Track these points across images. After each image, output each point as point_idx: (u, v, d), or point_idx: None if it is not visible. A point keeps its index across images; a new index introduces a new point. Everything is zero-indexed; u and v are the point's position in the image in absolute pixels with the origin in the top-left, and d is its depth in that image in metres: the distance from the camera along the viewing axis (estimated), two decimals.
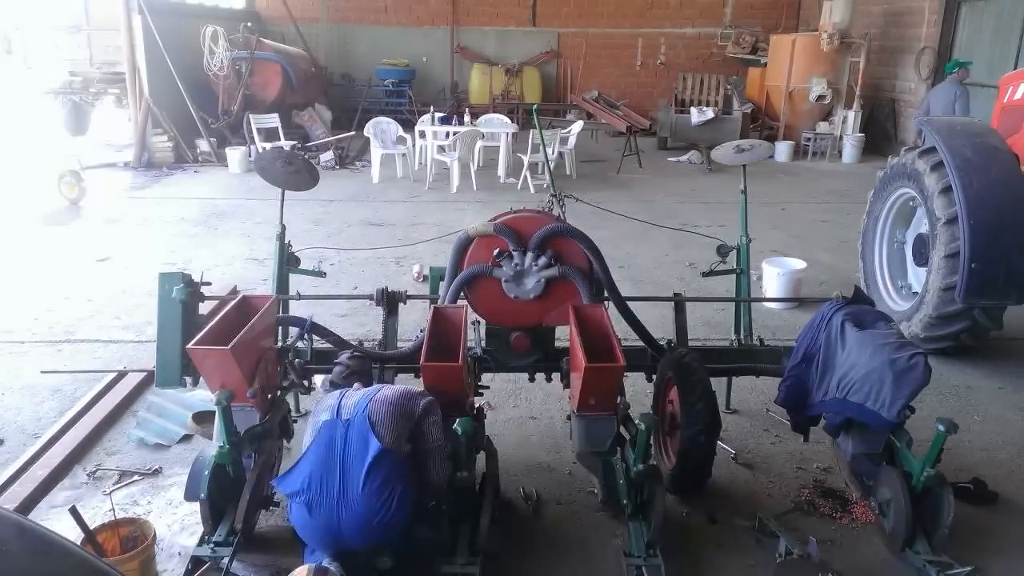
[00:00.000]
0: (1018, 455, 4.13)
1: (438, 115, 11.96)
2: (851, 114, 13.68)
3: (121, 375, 4.72)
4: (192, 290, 3.56)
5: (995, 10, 11.49)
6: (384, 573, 2.80)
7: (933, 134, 5.12)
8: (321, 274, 4.56)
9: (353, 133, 13.21)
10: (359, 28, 17.43)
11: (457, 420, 2.96)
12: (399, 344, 4.00)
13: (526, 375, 3.93)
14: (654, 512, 3.02)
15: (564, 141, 11.39)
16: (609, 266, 3.71)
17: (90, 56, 16.15)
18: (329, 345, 3.81)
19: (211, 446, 3.14)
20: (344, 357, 3.47)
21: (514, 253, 3.59)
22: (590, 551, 3.25)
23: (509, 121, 12.14)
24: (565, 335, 3.62)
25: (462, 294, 3.67)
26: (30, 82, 14.84)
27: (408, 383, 3.45)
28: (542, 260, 3.59)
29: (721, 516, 3.50)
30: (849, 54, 13.80)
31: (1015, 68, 10.18)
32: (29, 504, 3.46)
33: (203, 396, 4.21)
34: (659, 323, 4.52)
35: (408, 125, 12.68)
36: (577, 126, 11.90)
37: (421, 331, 3.64)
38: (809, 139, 13.78)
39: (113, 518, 3.14)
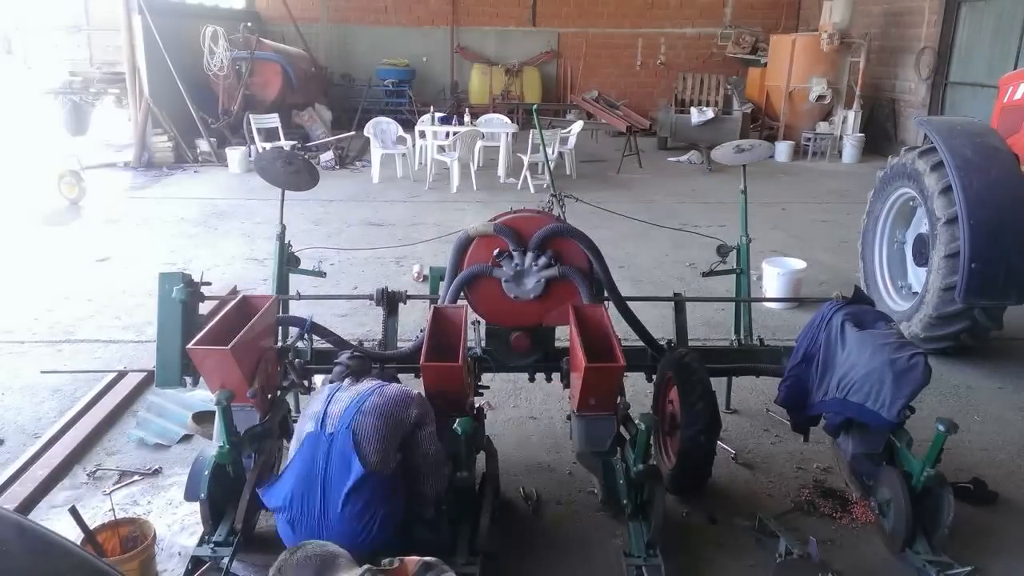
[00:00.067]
0: (1018, 455, 4.13)
1: (438, 115, 11.96)
2: (851, 114, 13.67)
3: (121, 375, 4.72)
4: (192, 290, 3.56)
5: (995, 10, 11.48)
6: None
7: (933, 134, 5.12)
8: (321, 274, 4.56)
9: (353, 133, 13.21)
10: (359, 28, 17.42)
11: (457, 420, 2.96)
12: (399, 344, 4.00)
13: (526, 375, 3.92)
14: (654, 512, 3.02)
15: (564, 141, 11.39)
16: (609, 266, 3.71)
17: (90, 56, 16.15)
18: (329, 345, 3.81)
19: (211, 446, 3.14)
20: (344, 357, 3.46)
21: (514, 253, 3.59)
22: (590, 551, 3.25)
23: (509, 121, 12.14)
24: (565, 335, 3.62)
25: (462, 294, 3.67)
26: (30, 82, 14.84)
27: (408, 383, 3.44)
28: (542, 260, 3.59)
29: (721, 516, 3.50)
30: (849, 54, 13.80)
31: (1015, 68, 10.18)
32: (29, 504, 3.46)
33: (203, 396, 4.21)
34: (659, 323, 4.52)
35: (408, 125, 12.68)
36: (577, 126, 11.90)
37: (421, 331, 3.64)
38: (809, 139, 13.78)
39: (113, 518, 3.14)
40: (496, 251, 3.61)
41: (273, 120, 12.10)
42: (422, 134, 11.39)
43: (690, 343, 4.05)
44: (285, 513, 2.72)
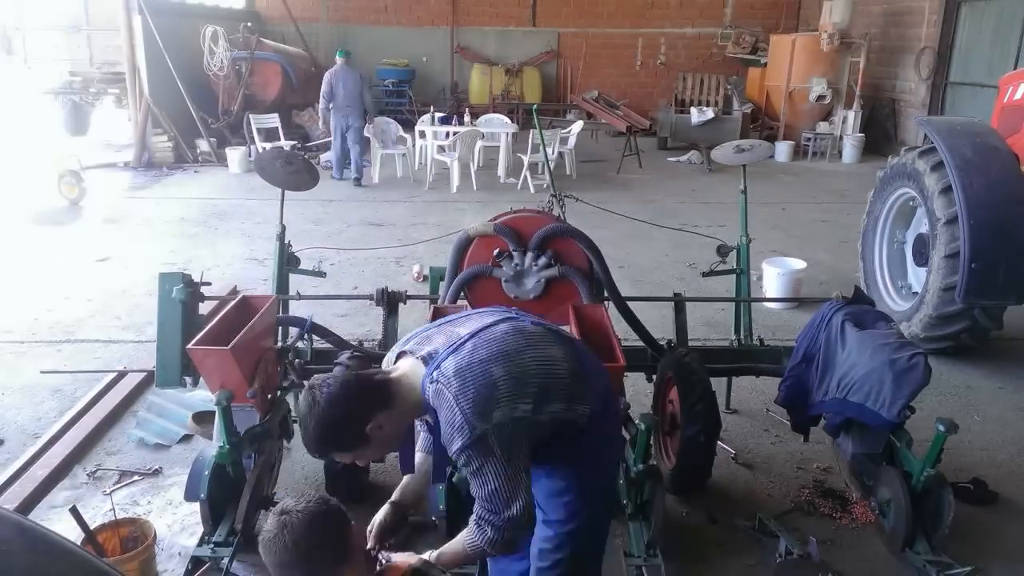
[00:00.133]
0: (1018, 455, 4.13)
1: (438, 115, 11.96)
2: (851, 114, 13.67)
3: (121, 375, 4.72)
4: (192, 290, 3.56)
5: (995, 10, 11.48)
6: None
7: (933, 134, 5.12)
8: (321, 274, 4.56)
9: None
10: (359, 28, 17.42)
11: None
12: None
13: None
14: (654, 512, 3.02)
15: (564, 141, 11.40)
16: (609, 266, 3.71)
17: (90, 56, 16.18)
18: (329, 345, 3.81)
19: (211, 446, 3.14)
20: (344, 357, 3.47)
21: (514, 253, 3.59)
22: None
23: (509, 121, 12.14)
24: None
25: (462, 294, 3.67)
26: (30, 82, 14.84)
27: None
28: (542, 260, 3.59)
29: (721, 516, 3.50)
30: (849, 54, 13.79)
31: (1015, 68, 10.17)
32: (29, 504, 3.46)
33: (203, 396, 4.21)
34: (659, 323, 4.52)
35: (408, 125, 12.68)
36: (577, 126, 11.90)
37: None
38: (809, 139, 13.78)
39: (113, 518, 3.14)
40: (496, 251, 3.61)
41: (273, 120, 12.10)
42: (422, 134, 11.39)
43: (690, 343, 4.05)
44: None
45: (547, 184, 7.97)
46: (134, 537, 3.01)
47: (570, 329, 3.41)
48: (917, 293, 5.47)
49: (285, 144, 11.71)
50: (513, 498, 1.91)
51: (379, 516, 2.19)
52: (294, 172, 4.32)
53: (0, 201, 9.32)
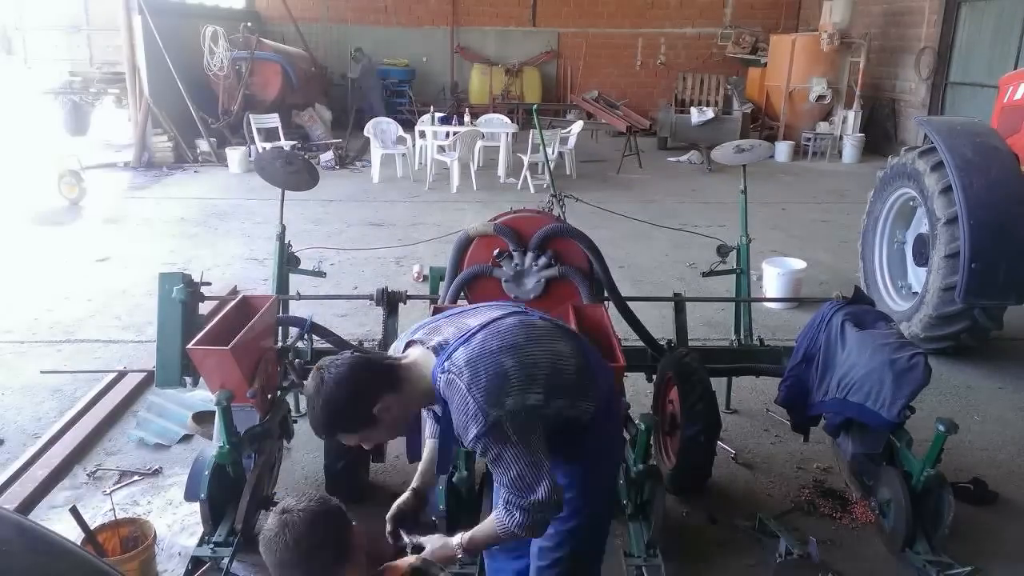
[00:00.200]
0: (1018, 455, 4.13)
1: (438, 115, 11.95)
2: (851, 114, 13.66)
3: (121, 375, 4.72)
4: (192, 290, 3.56)
5: (995, 10, 11.48)
6: None
7: (933, 134, 5.12)
8: (321, 274, 4.56)
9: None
10: (359, 28, 17.41)
11: None
12: None
13: None
14: (654, 512, 3.02)
15: (564, 141, 11.39)
16: (609, 266, 3.71)
17: (90, 56, 16.17)
18: (329, 345, 3.81)
19: (211, 446, 3.14)
20: None
21: (514, 253, 3.59)
22: None
23: (509, 121, 12.14)
24: None
25: (462, 294, 3.67)
26: (30, 82, 14.83)
27: None
28: (542, 260, 3.59)
29: (721, 516, 3.50)
30: (849, 54, 13.79)
31: (1015, 68, 10.17)
32: (29, 504, 3.46)
33: (203, 396, 4.21)
34: (659, 323, 4.52)
35: (408, 125, 12.68)
36: (577, 126, 11.90)
37: None
38: (809, 139, 13.78)
39: (113, 518, 3.14)
40: (496, 251, 3.61)
41: (273, 120, 12.09)
42: (422, 134, 11.39)
43: (690, 343, 4.05)
44: None
45: (547, 184, 7.98)
46: (134, 537, 3.01)
47: None
48: (917, 293, 5.47)
49: (285, 144, 11.71)
50: (537, 481, 1.91)
51: (399, 501, 2.22)
52: (294, 172, 4.32)
53: (0, 201, 9.32)
